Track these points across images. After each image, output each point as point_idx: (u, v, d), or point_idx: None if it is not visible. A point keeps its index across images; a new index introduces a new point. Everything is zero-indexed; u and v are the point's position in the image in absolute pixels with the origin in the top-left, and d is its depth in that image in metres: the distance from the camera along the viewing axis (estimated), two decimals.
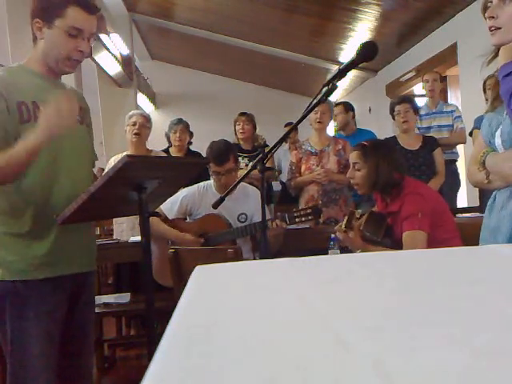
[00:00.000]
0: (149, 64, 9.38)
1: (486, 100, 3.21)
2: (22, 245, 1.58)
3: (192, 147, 4.19)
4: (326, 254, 2.28)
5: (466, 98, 5.02)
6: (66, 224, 1.53)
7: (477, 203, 3.86)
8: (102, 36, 6.24)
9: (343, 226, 2.17)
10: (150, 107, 9.20)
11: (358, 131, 4.20)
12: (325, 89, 1.51)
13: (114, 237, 3.41)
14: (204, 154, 3.09)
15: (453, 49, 5.21)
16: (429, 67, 5.44)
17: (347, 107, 4.13)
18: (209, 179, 2.89)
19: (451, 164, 3.87)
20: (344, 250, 2.34)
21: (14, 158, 1.47)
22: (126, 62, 7.63)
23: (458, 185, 3.98)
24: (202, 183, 2.81)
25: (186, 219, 2.82)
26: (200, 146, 4.13)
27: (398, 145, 3.45)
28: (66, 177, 1.62)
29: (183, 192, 2.73)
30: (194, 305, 0.60)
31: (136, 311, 3.01)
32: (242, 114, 4.01)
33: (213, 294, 0.67)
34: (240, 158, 3.73)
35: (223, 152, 2.65)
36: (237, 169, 2.77)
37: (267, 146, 3.96)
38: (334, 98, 7.60)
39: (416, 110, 3.51)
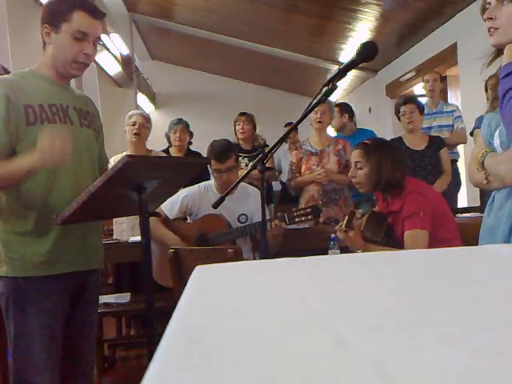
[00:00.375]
0: (149, 64, 9.38)
1: (488, 99, 3.22)
2: (25, 243, 1.63)
3: (192, 147, 4.20)
4: (326, 253, 2.28)
5: (466, 97, 5.02)
6: (65, 224, 1.54)
7: (477, 203, 3.86)
8: (102, 36, 6.22)
9: (343, 226, 2.17)
10: (150, 107, 9.19)
11: (358, 131, 4.20)
12: (325, 89, 1.51)
13: (114, 237, 3.41)
14: (204, 154, 3.09)
15: (453, 49, 5.21)
16: (429, 67, 5.43)
17: (342, 110, 4.10)
18: (209, 179, 2.89)
19: (452, 164, 3.87)
20: (344, 249, 2.34)
21: (11, 173, 1.56)
22: (126, 62, 7.62)
23: (458, 185, 3.98)
24: (202, 183, 2.81)
25: (186, 219, 2.82)
26: (200, 145, 4.13)
27: (404, 145, 3.46)
28: (68, 179, 1.66)
29: (183, 192, 2.73)
30: (193, 305, 0.60)
31: (136, 311, 3.00)
32: (242, 114, 4.01)
33: (213, 294, 0.67)
34: (240, 158, 3.73)
35: (225, 149, 2.66)
36: (237, 167, 2.78)
37: (267, 145, 3.96)
38: (334, 98, 7.59)
39: (421, 110, 3.51)
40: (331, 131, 4.34)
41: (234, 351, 0.41)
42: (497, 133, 1.41)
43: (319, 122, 3.30)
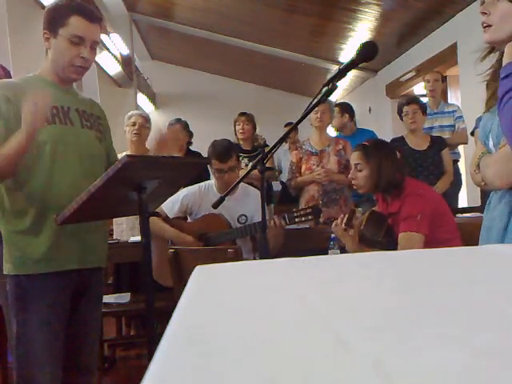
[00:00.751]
0: (149, 64, 9.37)
1: None
2: (25, 241, 1.66)
3: (192, 147, 4.19)
4: (326, 253, 2.28)
5: (465, 97, 5.02)
6: (65, 224, 1.55)
7: (477, 203, 3.86)
8: (102, 36, 6.22)
9: (343, 224, 2.17)
10: (150, 107, 9.19)
11: (358, 131, 4.20)
12: (325, 89, 1.52)
13: (114, 237, 3.41)
14: (204, 154, 3.09)
15: (453, 49, 5.21)
16: (429, 67, 5.43)
17: (343, 109, 4.11)
18: (209, 179, 2.89)
19: (453, 164, 3.87)
20: (344, 249, 2.34)
21: (11, 149, 1.55)
22: (126, 62, 7.62)
23: (459, 185, 3.98)
24: (203, 183, 2.81)
25: (186, 219, 2.82)
26: (200, 145, 4.13)
27: (406, 145, 3.46)
28: (67, 178, 1.69)
29: (184, 191, 2.73)
30: (193, 305, 0.60)
31: (136, 311, 3.01)
32: (242, 114, 4.01)
33: (213, 294, 0.67)
34: (240, 158, 3.73)
35: (226, 149, 2.66)
36: (238, 167, 2.78)
37: (267, 145, 3.96)
38: (334, 97, 7.59)
39: (424, 110, 3.52)
40: (331, 131, 4.34)
41: (234, 351, 0.41)
42: (490, 134, 1.41)
43: (319, 121, 3.30)
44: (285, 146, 5.29)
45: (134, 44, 7.78)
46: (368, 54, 1.49)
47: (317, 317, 0.50)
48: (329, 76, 1.58)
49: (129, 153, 3.32)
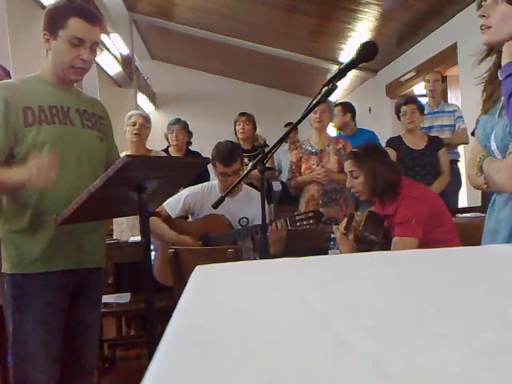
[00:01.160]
0: (149, 64, 9.37)
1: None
2: (22, 240, 1.67)
3: (192, 147, 4.19)
4: (326, 253, 2.28)
5: (465, 97, 5.02)
6: (65, 224, 1.55)
7: (478, 203, 3.86)
8: (102, 36, 6.23)
9: (343, 228, 2.18)
10: (150, 107, 9.19)
11: (358, 131, 4.21)
12: (325, 89, 1.51)
13: (114, 237, 3.41)
14: (204, 154, 3.09)
15: (453, 49, 5.21)
16: (429, 67, 5.43)
17: (345, 109, 4.12)
18: (208, 179, 2.89)
19: (452, 164, 3.87)
20: None
21: (1, 182, 1.61)
22: (126, 61, 7.62)
23: (459, 185, 3.98)
24: (206, 183, 2.81)
25: (187, 218, 2.82)
26: (200, 146, 4.13)
27: (404, 144, 3.46)
28: (66, 178, 1.68)
29: (186, 191, 2.73)
30: (193, 305, 0.60)
31: (136, 311, 3.01)
32: (242, 114, 4.01)
33: (213, 294, 0.67)
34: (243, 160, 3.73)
35: (231, 153, 2.64)
36: (243, 169, 2.77)
37: (267, 145, 3.96)
38: (334, 97, 7.59)
39: (422, 110, 3.52)
40: (331, 131, 4.34)
41: (234, 351, 0.41)
42: (492, 136, 1.39)
43: (319, 121, 3.30)
44: (285, 145, 5.29)
45: (134, 44, 7.78)
46: (368, 54, 1.49)
47: (317, 317, 0.50)
48: (329, 76, 1.58)
49: (129, 153, 3.32)
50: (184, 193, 2.70)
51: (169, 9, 7.14)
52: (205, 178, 3.08)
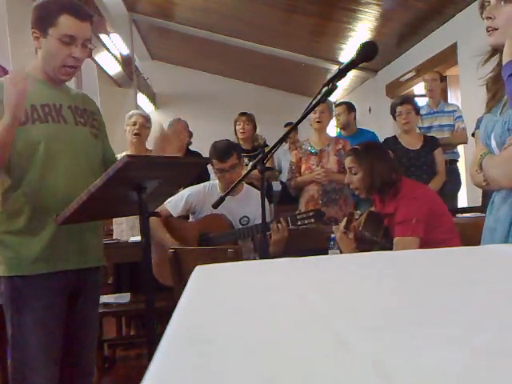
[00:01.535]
0: (149, 64, 9.37)
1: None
2: (19, 242, 1.64)
3: (192, 147, 4.20)
4: (326, 253, 2.28)
5: (465, 97, 5.02)
6: (65, 224, 1.54)
7: (478, 203, 3.85)
8: (102, 36, 6.23)
9: (342, 227, 2.18)
10: (150, 107, 9.19)
11: (359, 131, 4.21)
12: (325, 89, 1.52)
13: (114, 237, 3.41)
14: (204, 154, 3.09)
15: (453, 49, 5.20)
16: (429, 67, 5.43)
17: (350, 107, 4.14)
18: (208, 179, 2.90)
19: (452, 164, 3.87)
20: None
21: None
22: (126, 61, 7.62)
23: (458, 185, 3.98)
24: (207, 183, 2.82)
25: (188, 218, 2.82)
26: (200, 145, 4.13)
27: (400, 144, 3.47)
28: (62, 177, 1.66)
29: (188, 190, 2.74)
30: (193, 305, 0.60)
31: (136, 311, 3.01)
32: (243, 113, 4.01)
33: (213, 294, 0.67)
34: (241, 157, 3.72)
35: (226, 148, 2.67)
36: (241, 165, 2.78)
37: (267, 145, 3.96)
38: (334, 97, 7.59)
39: (417, 110, 3.52)
40: (331, 131, 4.34)
41: (234, 351, 0.41)
42: (492, 134, 1.40)
43: (318, 121, 3.30)
44: (285, 145, 5.29)
45: (134, 44, 7.78)
46: (368, 54, 1.49)
47: (317, 317, 0.50)
48: (329, 76, 1.58)
49: (129, 153, 3.32)
50: (186, 192, 2.71)
51: (169, 9, 7.14)
52: (205, 178, 3.08)
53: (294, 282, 0.71)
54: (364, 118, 7.09)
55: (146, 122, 3.44)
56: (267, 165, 1.64)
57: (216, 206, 1.92)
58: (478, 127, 3.36)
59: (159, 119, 7.74)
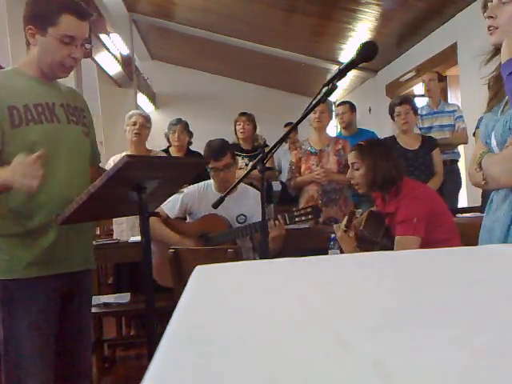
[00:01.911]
0: (149, 64, 9.36)
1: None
2: (12, 245, 1.61)
3: (192, 147, 4.19)
4: (326, 253, 2.28)
5: (465, 97, 5.02)
6: (65, 224, 1.54)
7: (478, 203, 3.85)
8: (102, 36, 6.23)
9: (343, 226, 2.18)
10: (150, 107, 9.18)
11: (359, 131, 4.21)
12: (325, 89, 1.51)
13: (114, 237, 3.41)
14: None
15: (453, 49, 5.20)
16: (429, 67, 5.43)
17: (352, 107, 4.14)
18: (209, 179, 2.90)
19: (452, 164, 3.87)
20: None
21: None
22: (126, 62, 7.61)
23: (459, 185, 3.98)
24: (202, 183, 2.81)
25: (185, 219, 2.82)
26: (200, 146, 4.11)
27: (398, 144, 3.47)
28: (57, 178, 1.64)
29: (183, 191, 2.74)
30: (193, 305, 0.60)
31: (136, 311, 3.01)
32: (243, 113, 4.02)
33: (213, 294, 0.67)
34: (240, 158, 3.73)
35: (220, 147, 2.68)
36: (235, 165, 2.78)
37: (267, 145, 3.96)
38: (334, 97, 7.59)
39: (416, 110, 3.52)
40: (331, 131, 4.34)
41: (234, 351, 0.41)
42: (493, 133, 1.40)
43: (318, 121, 3.31)
44: (285, 145, 5.29)
45: (134, 44, 7.78)
46: (368, 54, 1.49)
47: (317, 317, 0.50)
48: (329, 76, 1.58)
49: (129, 153, 3.32)
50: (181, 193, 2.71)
51: (169, 9, 7.14)
52: (204, 178, 3.07)
53: (293, 281, 0.71)
54: (364, 118, 7.09)
55: (146, 122, 3.44)
56: (267, 165, 1.64)
57: (216, 205, 1.92)
58: (478, 126, 3.37)
59: (159, 119, 7.75)
